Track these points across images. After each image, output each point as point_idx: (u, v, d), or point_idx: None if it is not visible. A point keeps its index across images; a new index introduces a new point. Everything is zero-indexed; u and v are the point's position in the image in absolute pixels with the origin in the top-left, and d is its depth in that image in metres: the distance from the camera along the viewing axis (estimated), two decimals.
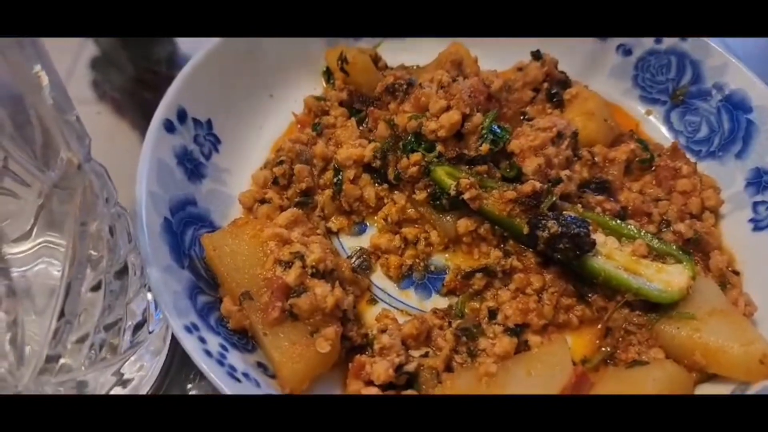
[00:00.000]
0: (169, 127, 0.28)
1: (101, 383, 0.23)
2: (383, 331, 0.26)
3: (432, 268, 0.30)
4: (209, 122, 0.31)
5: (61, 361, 0.21)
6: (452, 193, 0.29)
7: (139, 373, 0.25)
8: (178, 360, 0.27)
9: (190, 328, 0.23)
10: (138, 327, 0.25)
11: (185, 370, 0.27)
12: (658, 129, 0.36)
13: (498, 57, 0.37)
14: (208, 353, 0.22)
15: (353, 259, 0.29)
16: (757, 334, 0.25)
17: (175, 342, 0.28)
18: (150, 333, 0.25)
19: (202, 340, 0.23)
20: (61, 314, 0.20)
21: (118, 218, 0.23)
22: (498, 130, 0.30)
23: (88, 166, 0.21)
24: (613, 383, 0.24)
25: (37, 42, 0.22)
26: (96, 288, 0.22)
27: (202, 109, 0.31)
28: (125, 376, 0.24)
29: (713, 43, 0.33)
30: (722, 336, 0.24)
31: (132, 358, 0.24)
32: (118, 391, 0.24)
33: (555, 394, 0.23)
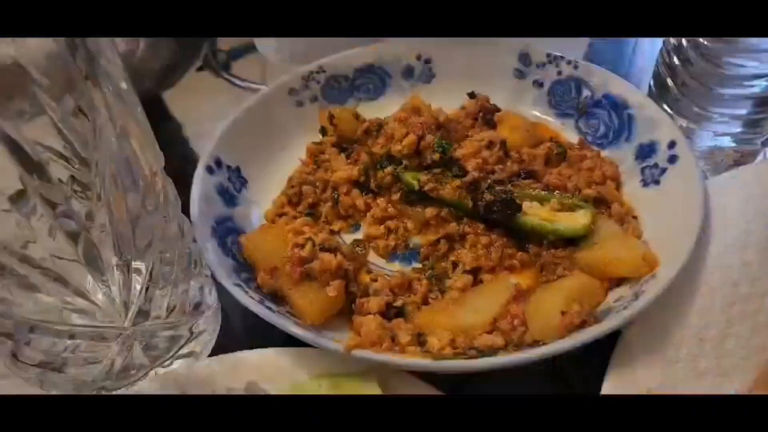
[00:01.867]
0: (209, 170, 0.38)
1: (179, 335, 0.31)
2: (375, 280, 0.34)
3: (411, 246, 0.38)
4: (238, 168, 0.41)
5: (150, 315, 0.30)
6: (417, 188, 0.38)
7: (203, 337, 0.33)
8: (229, 334, 0.35)
9: (239, 285, 0.31)
10: (198, 304, 0.33)
11: (235, 340, 0.35)
12: (573, 135, 0.45)
13: (448, 104, 0.47)
14: (252, 298, 0.31)
15: (353, 246, 0.38)
16: (639, 243, 0.32)
17: (224, 320, 0.36)
18: (208, 307, 0.34)
19: (247, 292, 0.31)
20: (150, 278, 0.29)
21: (183, 221, 0.32)
22: (445, 144, 0.40)
23: (164, 179, 0.30)
24: (539, 293, 0.32)
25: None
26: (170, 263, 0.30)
27: (233, 158, 0.41)
28: (194, 333, 0.32)
29: (594, 66, 0.44)
30: (616, 249, 0.32)
31: (199, 321, 0.32)
32: (188, 347, 0.32)
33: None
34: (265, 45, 0.53)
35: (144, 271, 0.29)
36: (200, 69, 0.59)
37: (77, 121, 0.24)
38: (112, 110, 0.25)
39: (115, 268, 0.27)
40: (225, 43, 0.61)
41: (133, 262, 0.29)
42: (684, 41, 0.38)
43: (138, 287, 0.29)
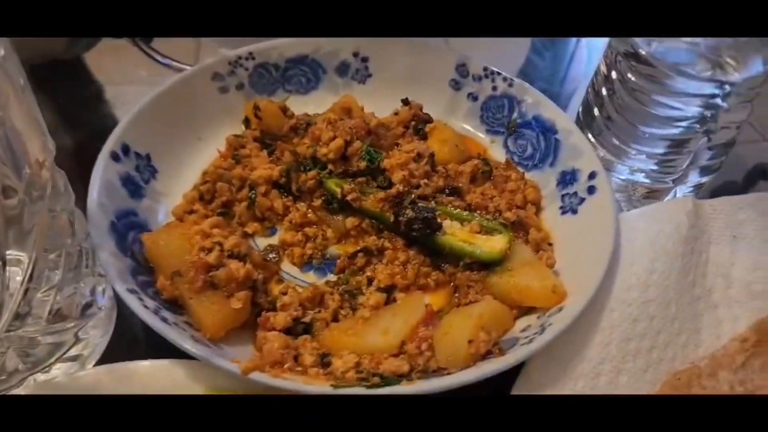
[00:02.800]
0: (114, 157, 0.35)
1: (63, 341, 0.28)
2: (284, 293, 0.32)
3: (328, 256, 0.36)
4: (148, 156, 0.37)
5: (28, 319, 0.26)
6: (339, 197, 0.36)
7: (92, 340, 0.30)
8: (123, 339, 0.32)
9: (133, 290, 0.28)
10: (87, 306, 0.30)
11: (128, 346, 0.32)
12: (500, 152, 0.45)
13: (381, 107, 0.45)
14: (146, 307, 0.28)
15: (266, 252, 0.36)
16: (551, 274, 0.32)
17: (119, 323, 0.33)
18: (99, 309, 0.30)
19: (141, 300, 0.28)
20: (30, 279, 0.25)
21: (73, 215, 0.29)
22: (373, 153, 0.38)
23: (52, 169, 0.27)
24: (450, 317, 0.31)
25: None
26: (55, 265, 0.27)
27: (143, 145, 0.37)
28: (80, 337, 0.29)
29: (529, 86, 0.43)
30: (528, 278, 0.32)
31: (87, 325, 0.29)
32: (74, 350, 0.29)
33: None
34: None
35: (23, 270, 0.26)
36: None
37: None
38: None
39: None
40: None
41: (7, 258, 0.25)
42: (614, 73, 0.39)
43: (15, 287, 0.26)
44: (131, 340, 0.32)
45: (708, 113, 0.35)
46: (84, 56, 0.51)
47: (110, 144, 0.35)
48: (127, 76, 0.51)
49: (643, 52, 0.36)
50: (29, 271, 0.25)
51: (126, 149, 0.36)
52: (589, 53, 0.59)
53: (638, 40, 0.36)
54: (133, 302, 0.28)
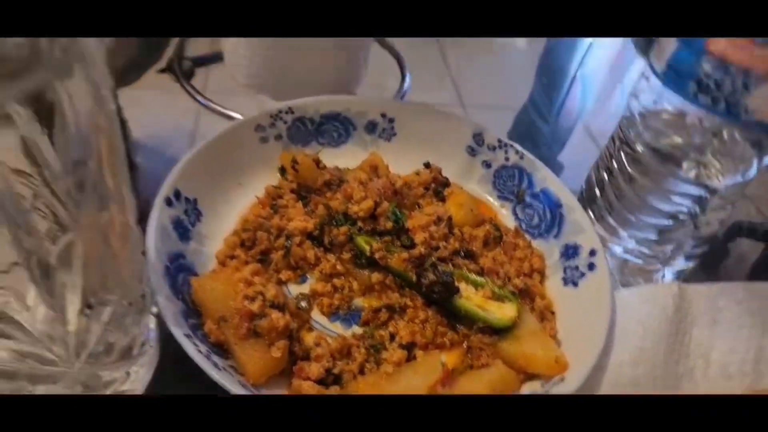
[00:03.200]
0: (168, 202, 0.38)
1: (116, 377, 0.31)
2: (318, 344, 0.35)
3: (353, 307, 0.40)
4: (195, 200, 0.40)
5: (101, 358, 0.29)
6: (368, 254, 0.40)
7: (139, 375, 0.33)
8: (169, 371, 0.35)
9: (188, 335, 0.31)
10: (142, 344, 0.33)
11: (172, 378, 0.34)
12: (509, 218, 0.49)
13: (403, 164, 0.49)
14: (200, 352, 0.31)
15: (297, 300, 0.39)
16: (554, 345, 0.36)
17: (163, 357, 0.35)
18: (150, 347, 0.33)
19: (195, 345, 0.31)
20: (108, 322, 0.28)
21: (143, 261, 0.32)
22: (399, 214, 0.42)
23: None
24: (465, 380, 0.35)
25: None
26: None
27: (191, 190, 0.40)
28: (129, 374, 0.32)
29: (539, 162, 0.48)
30: (534, 346, 0.36)
31: (137, 364, 0.32)
32: (125, 386, 0.32)
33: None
34: (236, 65, 0.53)
35: (102, 312, 0.28)
36: (162, 71, 0.57)
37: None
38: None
39: (73, 309, 0.26)
40: (192, 50, 0.59)
41: (93, 302, 0.28)
42: (614, 162, 0.43)
43: (93, 328, 0.28)
44: (175, 377, 0.35)
45: (695, 209, 0.40)
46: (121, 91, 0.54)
47: (165, 190, 0.38)
48: (168, 112, 0.53)
49: (640, 149, 0.40)
50: (108, 314, 0.28)
51: (178, 194, 0.39)
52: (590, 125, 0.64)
53: (634, 137, 0.41)
54: (189, 347, 0.30)
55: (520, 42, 0.81)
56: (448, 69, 0.69)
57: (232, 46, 0.52)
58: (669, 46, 0.36)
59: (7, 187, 0.22)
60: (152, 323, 0.33)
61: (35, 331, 0.26)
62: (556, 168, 0.58)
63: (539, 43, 0.80)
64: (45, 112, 0.27)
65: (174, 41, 0.58)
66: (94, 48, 0.23)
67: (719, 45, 0.33)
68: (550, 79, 0.74)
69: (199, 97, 0.53)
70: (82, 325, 0.27)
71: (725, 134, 0.38)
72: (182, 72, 0.56)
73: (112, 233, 0.27)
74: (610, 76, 0.82)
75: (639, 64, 0.79)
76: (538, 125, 0.65)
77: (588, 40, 0.87)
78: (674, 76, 0.36)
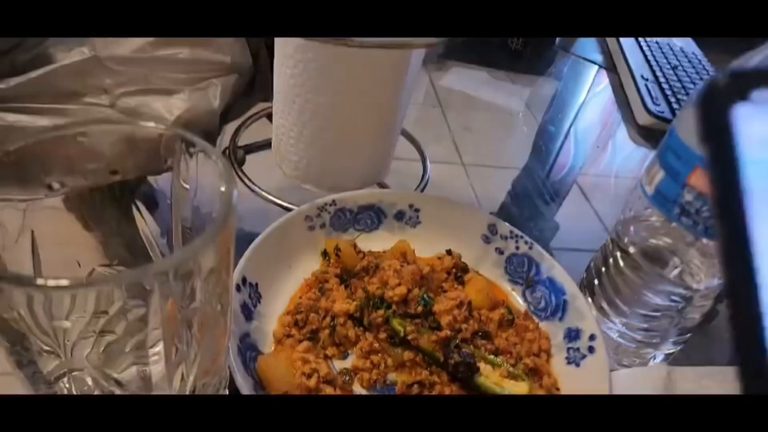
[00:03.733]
0: (237, 288, 0.45)
1: None
2: None
3: (388, 382, 0.46)
4: (257, 284, 0.48)
5: None
6: (402, 335, 0.47)
7: None
8: None
9: None
10: None
11: None
12: (518, 300, 0.56)
13: (427, 248, 0.57)
14: None
15: (342, 375, 0.45)
16: None
17: None
18: None
19: None
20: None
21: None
22: (427, 299, 0.49)
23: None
24: None
25: None
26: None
27: (254, 275, 0.47)
28: None
29: (546, 253, 0.55)
30: None
31: None
32: None
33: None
34: (283, 160, 0.61)
35: (206, 390, 0.35)
36: None
37: None
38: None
39: (188, 388, 0.33)
40: (243, 139, 0.67)
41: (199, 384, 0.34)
42: (611, 259, 0.51)
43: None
44: None
45: (679, 305, 0.47)
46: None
47: (235, 277, 0.45)
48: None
49: (631, 250, 0.48)
50: (208, 392, 0.34)
51: (244, 281, 0.46)
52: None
53: (627, 239, 0.48)
54: None
55: (521, 110, 0.91)
56: (458, 153, 0.78)
57: (278, 142, 0.60)
58: (657, 175, 0.44)
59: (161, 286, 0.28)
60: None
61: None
62: (552, 227, 0.67)
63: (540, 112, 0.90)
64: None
65: (229, 132, 0.66)
66: (231, 171, 0.30)
67: (699, 181, 0.41)
68: (546, 141, 0.84)
69: (249, 183, 0.61)
70: None
71: (705, 242, 0.46)
72: (236, 159, 0.64)
73: (219, 329, 0.34)
74: (600, 135, 0.91)
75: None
76: (536, 185, 0.74)
77: (580, 99, 0.98)
78: (662, 199, 0.44)
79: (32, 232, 0.32)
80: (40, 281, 0.22)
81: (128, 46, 0.58)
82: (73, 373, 0.28)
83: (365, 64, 0.51)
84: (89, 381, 0.29)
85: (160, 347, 0.29)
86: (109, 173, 0.34)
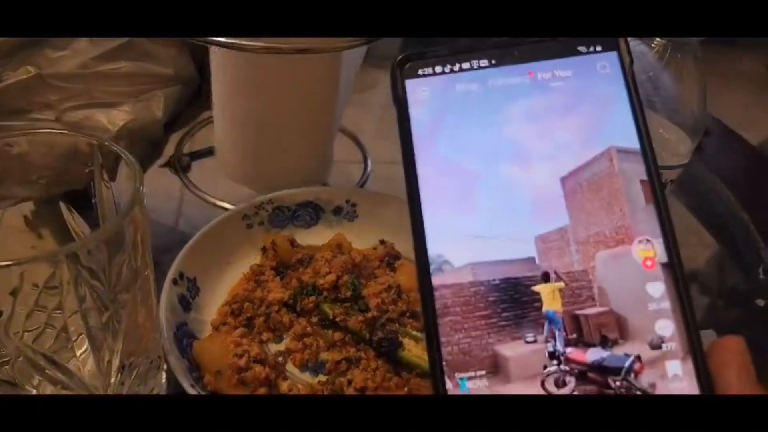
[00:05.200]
0: (174, 282, 0.50)
1: None
2: (290, 390, 0.46)
3: (320, 360, 0.51)
4: (195, 279, 0.52)
5: None
6: (331, 317, 0.52)
7: None
8: None
9: (193, 385, 0.42)
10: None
11: None
12: None
13: (363, 241, 0.62)
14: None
15: (276, 356, 0.50)
16: None
17: None
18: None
19: (199, 393, 0.42)
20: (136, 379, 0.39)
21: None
22: (357, 284, 0.54)
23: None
24: None
25: None
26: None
27: (191, 270, 0.52)
28: None
29: None
30: None
31: None
32: None
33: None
34: (224, 162, 0.66)
35: (133, 370, 0.39)
36: (163, 166, 0.70)
37: None
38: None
39: (113, 366, 0.38)
40: (190, 147, 0.72)
41: (126, 363, 0.39)
42: None
43: (126, 381, 0.39)
44: None
45: None
46: None
47: (172, 272, 0.50)
48: (163, 200, 0.66)
49: None
50: (136, 371, 0.39)
51: (182, 275, 0.51)
52: None
53: None
54: (194, 394, 0.42)
55: None
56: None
57: (219, 147, 0.65)
58: None
59: (75, 274, 0.33)
60: (164, 378, 0.45)
61: (86, 381, 0.37)
62: None
63: None
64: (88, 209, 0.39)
65: (174, 141, 0.71)
66: (138, 165, 0.35)
67: None
68: None
69: (193, 188, 0.66)
70: (118, 380, 0.38)
71: None
72: (180, 166, 0.69)
73: (141, 310, 0.38)
74: None
75: None
76: None
77: None
78: None
79: None
80: None
81: (71, 62, 0.63)
82: (2, 352, 0.33)
83: (291, 68, 0.57)
84: (25, 362, 0.34)
85: (81, 328, 0.34)
86: (37, 180, 0.39)
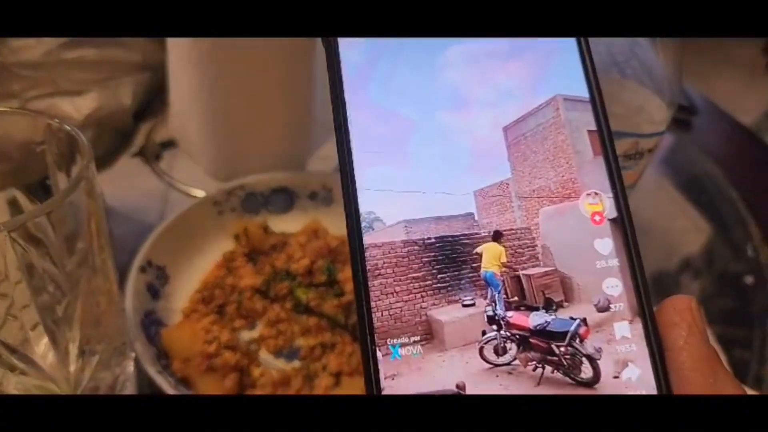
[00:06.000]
0: (142, 269, 0.49)
1: None
2: (262, 376, 0.46)
3: (294, 347, 0.51)
4: (163, 267, 0.52)
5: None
6: (305, 303, 0.51)
7: None
8: None
9: (160, 372, 0.42)
10: (124, 381, 0.43)
11: None
12: None
13: (340, 225, 0.61)
14: (170, 385, 0.42)
15: (248, 343, 0.50)
16: None
17: (140, 391, 0.46)
18: (129, 384, 0.44)
19: (166, 379, 0.42)
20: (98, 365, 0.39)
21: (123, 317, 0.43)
22: (332, 268, 0.54)
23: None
24: None
25: None
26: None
27: (160, 258, 0.52)
28: None
29: None
30: None
31: None
32: None
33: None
34: (189, 151, 0.65)
35: (94, 358, 0.39)
36: (135, 155, 0.69)
37: None
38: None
39: (72, 354, 0.37)
40: (159, 137, 0.72)
41: (86, 349, 0.39)
42: None
43: (87, 369, 0.39)
44: None
45: None
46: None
47: (139, 260, 0.49)
48: (139, 190, 0.66)
49: None
50: (97, 358, 0.39)
51: (150, 263, 0.50)
52: None
53: None
54: (161, 381, 0.41)
55: None
56: None
57: (186, 137, 0.64)
58: None
59: (26, 259, 0.33)
60: (131, 365, 0.44)
61: (45, 368, 0.37)
62: None
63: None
64: (45, 197, 0.39)
65: (144, 130, 0.71)
66: (87, 142, 0.35)
67: None
68: None
69: (165, 177, 0.66)
70: (78, 366, 0.38)
71: None
72: (152, 155, 0.68)
73: (100, 296, 0.38)
74: None
75: None
76: None
77: None
78: None
79: None
80: None
81: (35, 51, 0.62)
82: None
83: (263, 54, 0.56)
84: None
85: (33, 310, 0.34)
86: None
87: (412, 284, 0.22)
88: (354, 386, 0.47)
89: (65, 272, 0.34)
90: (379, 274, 0.22)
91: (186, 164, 0.67)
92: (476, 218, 0.23)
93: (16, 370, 0.36)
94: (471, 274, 0.22)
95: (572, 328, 0.21)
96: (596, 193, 0.22)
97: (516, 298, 0.22)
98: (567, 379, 0.21)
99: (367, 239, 0.23)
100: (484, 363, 0.22)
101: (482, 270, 0.22)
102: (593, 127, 0.22)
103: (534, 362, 0.21)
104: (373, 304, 0.21)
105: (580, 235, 0.22)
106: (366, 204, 0.22)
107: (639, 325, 0.21)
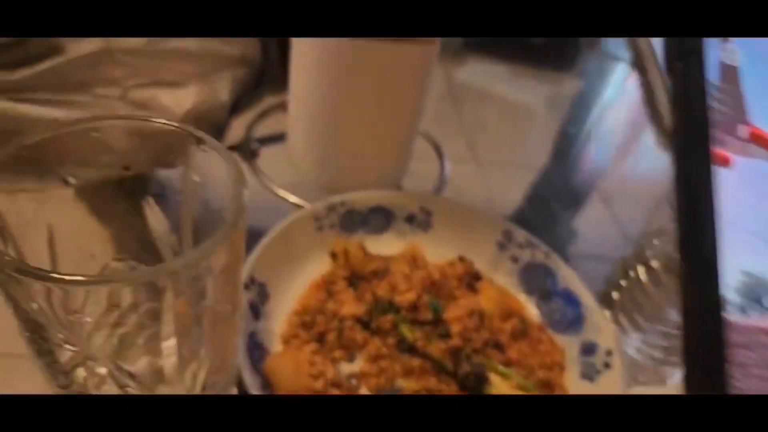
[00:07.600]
0: (246, 287, 0.48)
1: None
2: None
3: (395, 387, 0.48)
4: (264, 284, 0.50)
5: None
6: (410, 341, 0.49)
7: None
8: None
9: None
10: None
11: None
12: (533, 311, 0.58)
13: (438, 253, 0.59)
14: None
15: (349, 379, 0.48)
16: None
17: None
18: None
19: None
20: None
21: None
22: (437, 305, 0.51)
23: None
24: None
25: None
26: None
27: (261, 275, 0.50)
28: None
29: (563, 262, 0.57)
30: None
31: None
32: None
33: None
34: (295, 157, 0.63)
35: (213, 388, 0.37)
36: (231, 148, 0.68)
37: None
38: None
39: (199, 385, 0.36)
40: (259, 132, 0.70)
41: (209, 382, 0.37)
42: (631, 272, 0.53)
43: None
44: None
45: None
46: None
47: (244, 276, 0.48)
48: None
49: (654, 265, 0.50)
50: (215, 389, 0.37)
51: (252, 280, 0.49)
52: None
53: (650, 253, 0.50)
54: None
55: (541, 109, 0.94)
56: (474, 153, 0.80)
57: (293, 138, 0.63)
58: None
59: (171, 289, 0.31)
60: (235, 391, 0.43)
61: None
62: (570, 233, 0.69)
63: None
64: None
65: (236, 125, 0.69)
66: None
67: None
68: (566, 142, 0.86)
69: (261, 178, 0.64)
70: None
71: None
72: (249, 153, 0.67)
73: (230, 322, 0.36)
74: (625, 138, 0.93)
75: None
76: (554, 188, 0.77)
77: (605, 99, 1.00)
78: None
79: (49, 223, 0.34)
80: (57, 275, 0.24)
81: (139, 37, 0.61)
82: (87, 362, 0.31)
83: (387, 59, 0.54)
84: (103, 371, 0.32)
85: (172, 342, 0.32)
86: (121, 168, 0.37)
87: None
88: None
89: (200, 303, 0.33)
90: None
91: (281, 164, 0.66)
92: None
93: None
94: None
95: None
96: None
97: None
98: None
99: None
100: None
101: None
102: None
103: None
104: None
105: None
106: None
107: None
